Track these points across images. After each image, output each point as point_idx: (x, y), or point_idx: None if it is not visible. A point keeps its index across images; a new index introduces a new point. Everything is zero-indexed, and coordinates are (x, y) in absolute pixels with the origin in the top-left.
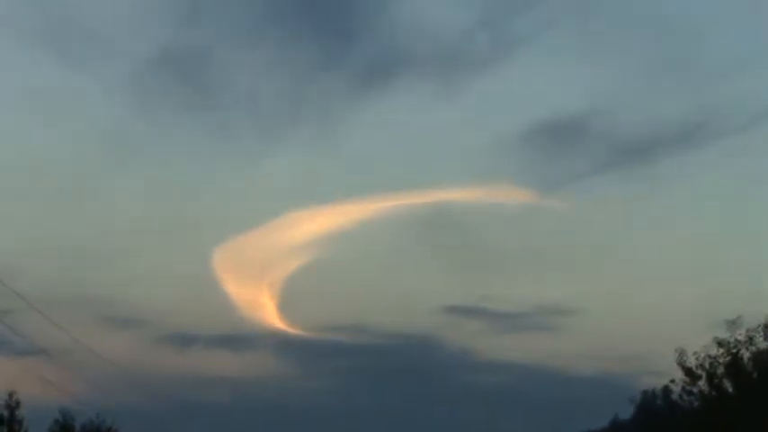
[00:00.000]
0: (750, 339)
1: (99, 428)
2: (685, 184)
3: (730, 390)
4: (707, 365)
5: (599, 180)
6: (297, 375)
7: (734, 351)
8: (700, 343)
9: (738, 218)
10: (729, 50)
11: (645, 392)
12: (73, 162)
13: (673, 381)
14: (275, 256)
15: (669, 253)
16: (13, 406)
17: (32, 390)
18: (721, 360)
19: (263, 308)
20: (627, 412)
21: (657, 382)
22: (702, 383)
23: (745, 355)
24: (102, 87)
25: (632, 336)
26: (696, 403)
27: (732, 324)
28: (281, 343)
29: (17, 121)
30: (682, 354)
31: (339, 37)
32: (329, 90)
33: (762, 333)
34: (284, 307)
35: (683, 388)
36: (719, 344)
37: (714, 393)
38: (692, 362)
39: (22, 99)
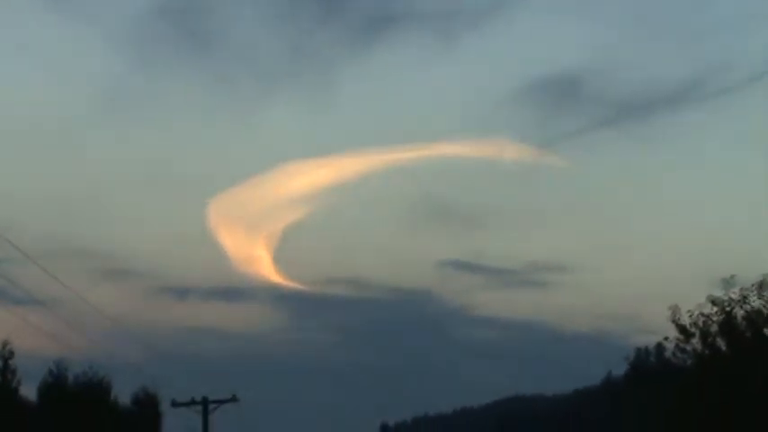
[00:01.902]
0: (744, 298)
1: (92, 380)
2: (682, 142)
3: (723, 348)
4: (700, 323)
5: (596, 137)
6: (293, 328)
7: (728, 310)
8: (694, 301)
9: (734, 176)
10: (727, 10)
11: (638, 350)
12: (70, 113)
13: (666, 338)
14: (271, 209)
15: (665, 211)
16: (6, 356)
17: (26, 340)
18: (715, 318)
19: (259, 261)
20: (620, 369)
21: (651, 340)
22: (696, 341)
23: (739, 313)
24: (99, 38)
25: (626, 293)
26: (689, 361)
27: (726, 282)
28: (276, 296)
29: (13, 72)
30: (675, 311)
31: None
32: (328, 43)
33: (756, 292)
34: (280, 260)
35: (677, 346)
36: (713, 302)
37: (707, 351)
38: (685, 320)
39: (18, 50)
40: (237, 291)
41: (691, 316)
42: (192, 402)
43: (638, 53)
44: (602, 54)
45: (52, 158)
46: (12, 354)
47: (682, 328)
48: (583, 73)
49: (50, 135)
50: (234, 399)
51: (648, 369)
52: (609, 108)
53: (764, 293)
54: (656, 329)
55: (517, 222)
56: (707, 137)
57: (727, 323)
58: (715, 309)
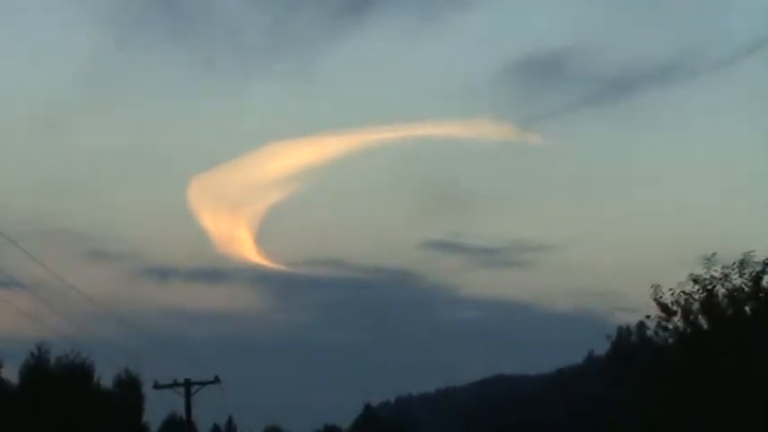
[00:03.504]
0: (725, 276)
1: (74, 362)
2: (665, 120)
3: (705, 326)
4: (682, 302)
5: (579, 115)
6: (275, 309)
7: (709, 288)
8: (675, 279)
9: (717, 154)
10: None
11: (620, 328)
12: (51, 94)
13: (648, 317)
14: (253, 189)
15: (647, 189)
16: None
17: (7, 323)
18: (696, 296)
19: (241, 241)
20: (602, 348)
21: (632, 319)
22: (677, 319)
23: (721, 291)
24: (80, 18)
25: (608, 272)
26: (671, 339)
27: (708, 261)
28: (258, 277)
29: (1, 54)
30: (657, 290)
31: None
32: (310, 22)
33: (737, 270)
34: (262, 240)
35: (659, 324)
36: (695, 280)
37: (689, 329)
38: (667, 298)
39: (5, 32)
40: (219, 272)
41: (672, 294)
42: (175, 384)
43: (621, 31)
44: (585, 32)
45: (33, 140)
46: None
47: (663, 307)
48: (565, 51)
49: (32, 116)
50: (216, 380)
51: (630, 347)
52: (591, 86)
53: (746, 271)
54: (638, 308)
55: (499, 202)
56: (690, 115)
57: (709, 301)
58: (697, 287)
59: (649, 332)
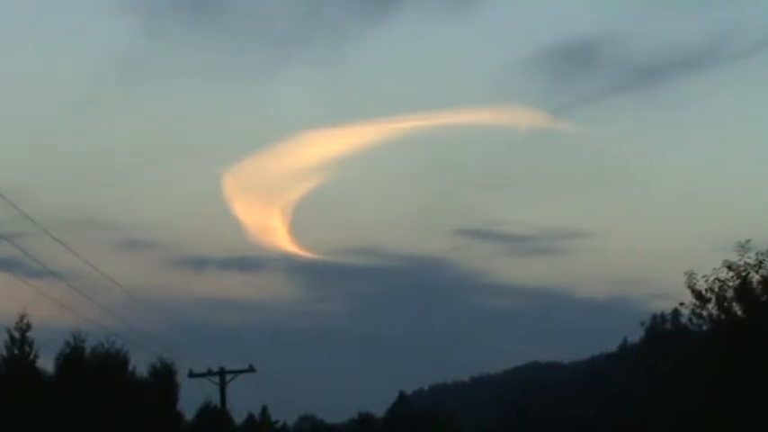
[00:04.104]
0: (760, 263)
1: (109, 351)
2: (698, 106)
3: (739, 313)
4: (716, 289)
5: (611, 102)
6: (309, 298)
7: (743, 274)
8: (709, 266)
9: (751, 140)
10: None
11: (654, 316)
12: (85, 84)
13: (682, 304)
14: (286, 178)
15: (680, 176)
16: (24, 328)
17: (44, 312)
18: (731, 283)
19: (274, 231)
20: (636, 335)
21: (667, 306)
22: (712, 306)
23: (755, 278)
24: (112, 8)
25: (642, 259)
26: (705, 326)
27: (742, 247)
28: (292, 266)
29: (28, 43)
30: (691, 277)
31: None
32: (341, 11)
33: None
34: (295, 230)
35: (693, 311)
36: (729, 267)
37: (723, 316)
38: (701, 285)
39: (33, 22)
40: (253, 261)
41: (707, 281)
42: (209, 373)
43: (653, 18)
44: (617, 19)
45: (66, 130)
46: (29, 326)
47: (698, 294)
48: (597, 38)
49: (65, 106)
50: (251, 369)
51: (665, 334)
52: (624, 73)
53: None
54: (672, 295)
55: (532, 189)
56: (723, 101)
57: (743, 288)
58: (731, 274)
59: (683, 319)
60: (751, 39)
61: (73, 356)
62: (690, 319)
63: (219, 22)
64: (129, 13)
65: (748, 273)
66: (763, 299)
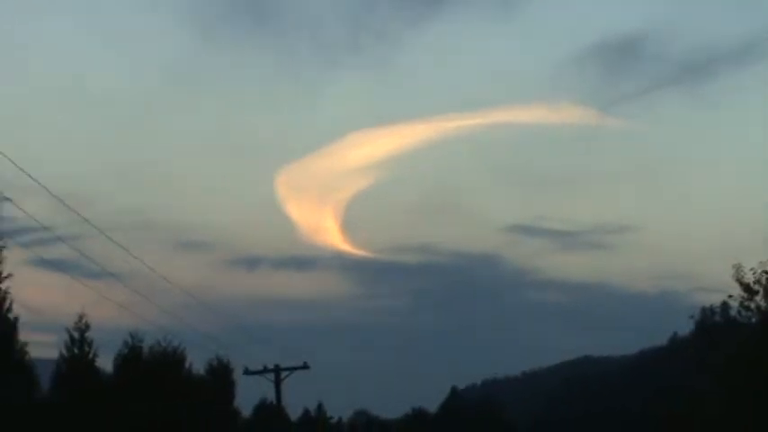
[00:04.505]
0: None
1: (166, 350)
2: (743, 101)
3: None
4: (764, 281)
5: (657, 98)
6: (362, 295)
7: None
8: (756, 259)
9: None
10: None
11: (704, 309)
12: (144, 91)
13: (731, 296)
14: (337, 178)
15: (726, 170)
16: (83, 328)
17: (103, 313)
18: None
19: (327, 230)
20: (686, 329)
21: (715, 299)
22: (760, 299)
23: None
24: (169, 17)
25: (689, 252)
26: (754, 318)
27: None
28: (344, 264)
29: (90, 52)
30: (739, 270)
31: None
32: (387, 16)
33: None
34: (347, 228)
35: (741, 304)
36: None
37: None
38: (749, 278)
39: (94, 31)
40: (307, 260)
41: (754, 274)
42: (265, 370)
43: (698, 13)
44: (662, 15)
45: (126, 135)
46: (88, 326)
47: (745, 286)
48: (642, 34)
49: (125, 112)
50: (305, 366)
51: (714, 327)
52: (669, 69)
53: None
54: (721, 288)
55: (581, 185)
56: (767, 96)
57: None
58: None
59: (732, 312)
60: None
61: (131, 356)
62: (739, 312)
63: (272, 29)
64: (188, 22)
65: None
66: None
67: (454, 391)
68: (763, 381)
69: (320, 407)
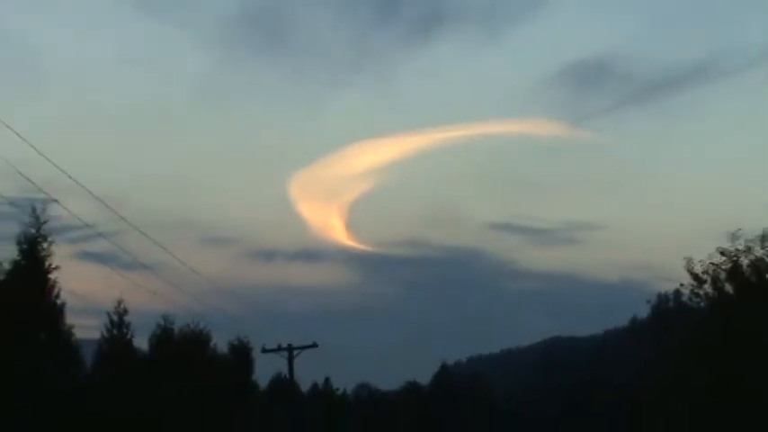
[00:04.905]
0: (748, 249)
1: (194, 332)
2: (698, 116)
3: (731, 292)
4: (711, 271)
5: (621, 114)
6: (364, 283)
7: (734, 259)
8: (705, 252)
9: (742, 146)
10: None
11: (659, 295)
12: (173, 105)
13: (682, 285)
14: (342, 183)
15: (681, 176)
16: (121, 313)
17: (138, 299)
18: (724, 267)
19: (333, 227)
20: (644, 312)
21: (670, 287)
22: (707, 287)
23: (744, 262)
24: (193, 39)
25: (648, 247)
26: (702, 304)
27: (733, 236)
28: (349, 257)
29: (125, 71)
30: (690, 261)
31: None
32: (386, 39)
33: (759, 243)
34: (351, 226)
35: (692, 291)
36: (722, 253)
37: (717, 295)
38: (698, 269)
39: (130, 52)
40: (315, 253)
41: (703, 265)
42: (279, 349)
43: (658, 38)
44: (626, 40)
45: (158, 143)
46: (126, 311)
47: (695, 276)
48: (609, 57)
49: (157, 124)
50: (314, 345)
51: (668, 312)
52: (632, 87)
53: (766, 244)
54: (674, 277)
55: (554, 189)
56: (718, 110)
57: (734, 270)
58: (723, 258)
59: (684, 298)
60: (743, 56)
61: (163, 337)
62: (689, 298)
63: (285, 52)
64: (211, 45)
65: (739, 257)
66: (752, 280)
67: (444, 365)
68: (710, 361)
69: (327, 381)
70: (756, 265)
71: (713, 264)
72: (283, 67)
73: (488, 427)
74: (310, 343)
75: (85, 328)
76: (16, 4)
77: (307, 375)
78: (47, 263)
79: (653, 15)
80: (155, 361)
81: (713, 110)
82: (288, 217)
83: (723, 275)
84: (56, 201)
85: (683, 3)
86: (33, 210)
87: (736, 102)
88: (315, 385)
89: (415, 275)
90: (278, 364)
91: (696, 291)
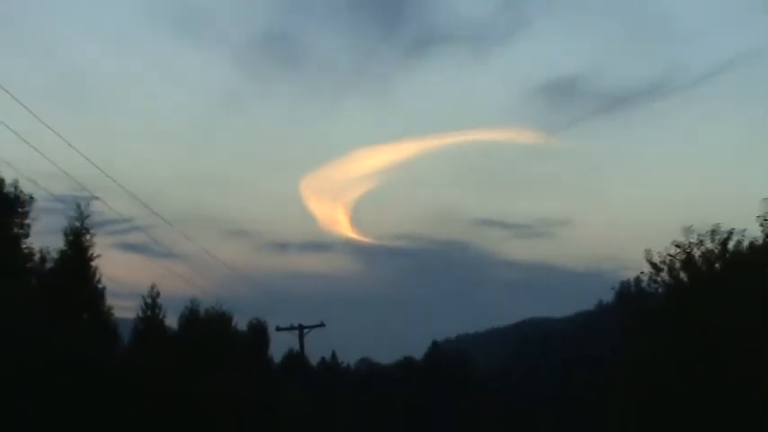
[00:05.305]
0: (700, 242)
1: (218, 313)
2: (654, 126)
3: (685, 279)
4: (668, 261)
5: (589, 124)
6: (365, 270)
7: (688, 251)
8: (662, 245)
9: (694, 152)
10: (688, 22)
11: (622, 282)
12: (200, 114)
13: (642, 273)
14: (347, 183)
15: (642, 178)
16: (154, 295)
17: (169, 284)
18: (678, 257)
19: (339, 222)
20: (609, 297)
21: (631, 275)
22: (664, 275)
23: (696, 253)
24: (221, 58)
25: (614, 241)
26: (660, 290)
27: (687, 230)
28: (353, 248)
29: (159, 85)
30: (649, 252)
31: (394, 18)
32: (386, 58)
33: (709, 237)
34: (355, 221)
35: (650, 278)
36: (677, 245)
37: (673, 282)
38: (656, 258)
39: (163, 69)
40: (324, 244)
41: (660, 256)
42: (291, 328)
43: (619, 59)
44: (593, 61)
45: (188, 148)
46: (158, 294)
47: (653, 265)
48: (578, 75)
49: (187, 131)
50: (322, 324)
51: (630, 296)
52: (598, 101)
53: (715, 238)
54: (635, 266)
55: (531, 189)
56: (671, 121)
57: (688, 261)
58: (678, 250)
59: (643, 285)
60: (694, 73)
61: (191, 317)
62: (648, 285)
63: (298, 68)
64: (235, 63)
65: (692, 249)
66: (703, 269)
67: (435, 342)
68: (666, 339)
69: (333, 355)
70: (707, 256)
71: (669, 255)
72: (297, 83)
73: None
74: (318, 323)
75: (123, 308)
76: (65, 26)
77: (315, 351)
78: (89, 252)
79: (615, 40)
80: (184, 337)
81: (666, 120)
82: (299, 213)
83: (678, 265)
84: (97, 198)
85: (641, 29)
86: (78, 206)
87: (685, 113)
88: (323, 359)
89: (411, 264)
90: (290, 341)
91: (654, 278)
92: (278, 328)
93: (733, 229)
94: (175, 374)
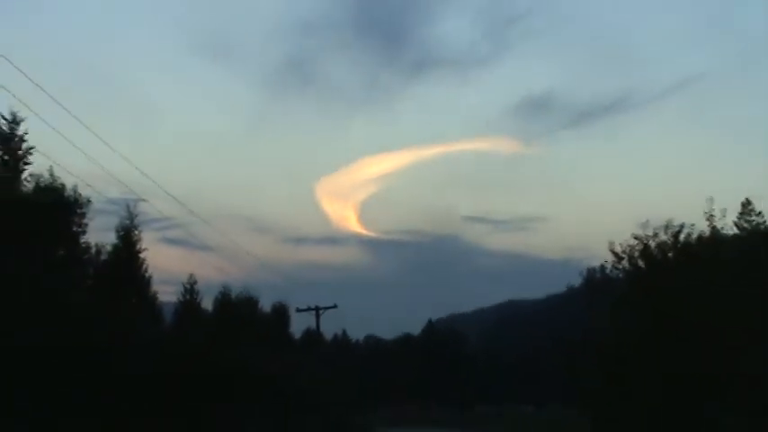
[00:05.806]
0: (655, 234)
1: (246, 296)
2: (618, 136)
3: (643, 266)
4: (627, 251)
5: (562, 134)
6: (371, 260)
7: (645, 242)
8: (624, 237)
9: (651, 159)
10: (642, 49)
11: (589, 269)
12: (231, 127)
13: (606, 261)
14: (356, 186)
15: (607, 181)
16: (192, 282)
17: (205, 272)
18: (637, 248)
19: (349, 219)
20: (577, 282)
21: (597, 263)
22: (625, 263)
23: (652, 244)
24: (250, 82)
25: (582, 234)
26: (621, 275)
27: (644, 225)
28: (361, 241)
29: (192, 106)
30: (612, 243)
31: (394, 45)
32: (390, 78)
33: (663, 230)
34: (363, 219)
35: (613, 266)
36: (636, 237)
37: (632, 269)
38: (618, 249)
39: (200, 89)
40: (336, 239)
41: (621, 246)
42: (308, 309)
43: (587, 77)
44: (564, 79)
45: (221, 157)
46: (195, 281)
47: (616, 254)
48: (552, 92)
49: (219, 143)
50: (334, 306)
51: (595, 281)
52: (569, 114)
53: (668, 231)
54: (600, 256)
55: (511, 190)
56: (633, 133)
57: (645, 250)
58: (637, 241)
59: (607, 271)
60: (650, 92)
61: (224, 300)
62: (611, 271)
63: (314, 88)
64: (260, 84)
65: (648, 241)
66: (658, 258)
67: (430, 321)
68: (629, 320)
69: (345, 332)
70: (661, 246)
71: (629, 245)
72: (313, 100)
73: (461, 368)
74: (332, 305)
75: (166, 293)
76: (121, 55)
77: (329, 329)
78: (137, 246)
79: (583, 62)
80: (217, 318)
81: (629, 132)
82: (314, 212)
83: (636, 254)
84: (145, 200)
85: (605, 53)
86: (128, 207)
87: (646, 126)
88: (335, 336)
89: (410, 254)
90: (308, 320)
91: (616, 266)
92: (297, 310)
93: (683, 223)
94: (210, 348)
